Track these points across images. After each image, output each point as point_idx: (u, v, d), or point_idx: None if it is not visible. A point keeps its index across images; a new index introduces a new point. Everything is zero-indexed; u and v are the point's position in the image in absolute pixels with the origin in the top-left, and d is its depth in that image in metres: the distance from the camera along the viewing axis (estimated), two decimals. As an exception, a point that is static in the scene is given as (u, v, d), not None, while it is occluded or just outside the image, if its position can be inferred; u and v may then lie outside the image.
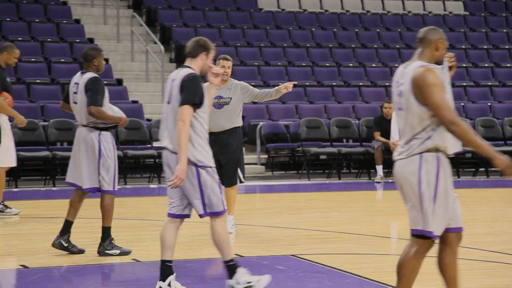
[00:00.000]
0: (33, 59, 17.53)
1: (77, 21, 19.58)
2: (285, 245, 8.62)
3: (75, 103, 7.83)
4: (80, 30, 19.18)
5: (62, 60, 17.73)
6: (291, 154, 17.33)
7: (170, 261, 6.16)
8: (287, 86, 9.15)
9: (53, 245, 7.86)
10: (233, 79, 9.40)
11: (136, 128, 15.86)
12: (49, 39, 18.31)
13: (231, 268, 6.19)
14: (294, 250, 8.23)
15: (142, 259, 7.74)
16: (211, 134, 8.10)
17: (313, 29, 21.51)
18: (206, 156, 6.11)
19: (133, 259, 7.72)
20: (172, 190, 6.17)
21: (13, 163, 10.86)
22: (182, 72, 6.15)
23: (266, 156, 17.24)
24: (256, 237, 9.23)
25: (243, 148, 9.58)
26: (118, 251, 7.80)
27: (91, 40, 18.90)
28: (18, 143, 14.23)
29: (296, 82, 9.67)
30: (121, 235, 8.72)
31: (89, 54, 7.87)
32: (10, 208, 10.89)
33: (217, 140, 9.04)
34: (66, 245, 7.84)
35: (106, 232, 7.82)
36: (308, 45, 20.72)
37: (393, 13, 23.16)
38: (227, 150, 9.14)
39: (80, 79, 7.85)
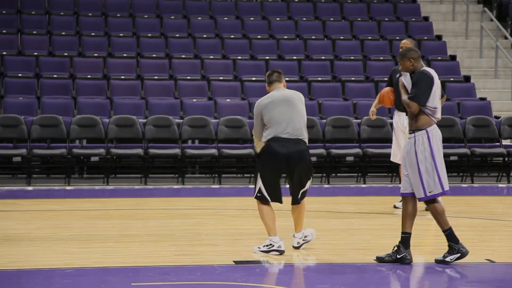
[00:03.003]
0: (381, 58, 17.85)
1: (426, 19, 19.60)
2: None
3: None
4: (428, 27, 19.18)
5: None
6: None
7: None
8: None
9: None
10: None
11: (485, 125, 15.50)
12: (397, 37, 18.53)
13: None
14: None
15: (496, 260, 7.58)
16: None
17: None
18: None
19: (486, 259, 7.59)
20: None
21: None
22: None
23: None
24: None
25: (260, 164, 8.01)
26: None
27: (438, 37, 18.84)
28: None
29: None
30: (467, 235, 8.58)
31: None
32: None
33: None
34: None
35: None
36: None
37: None
38: None
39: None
